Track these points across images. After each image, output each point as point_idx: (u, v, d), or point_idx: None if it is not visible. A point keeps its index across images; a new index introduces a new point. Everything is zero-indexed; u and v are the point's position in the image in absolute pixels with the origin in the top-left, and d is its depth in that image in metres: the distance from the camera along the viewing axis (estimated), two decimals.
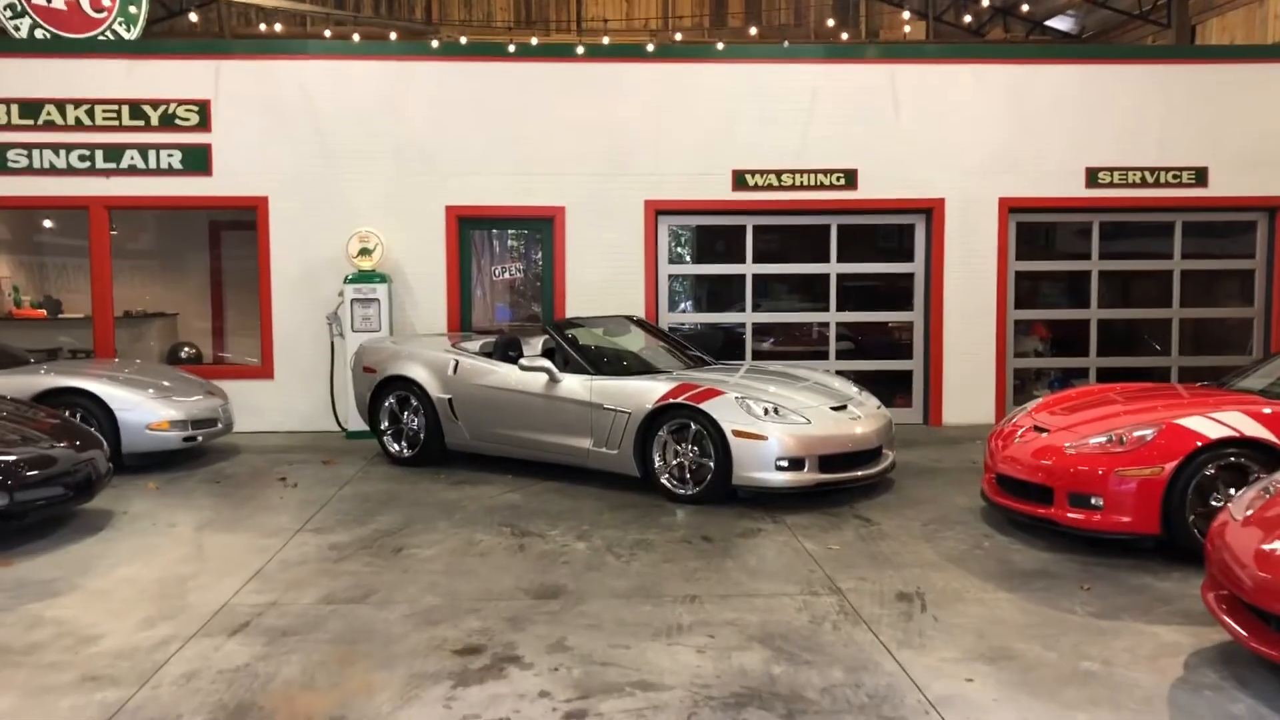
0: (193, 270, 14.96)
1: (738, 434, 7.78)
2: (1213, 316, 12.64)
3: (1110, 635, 5.25)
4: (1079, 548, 6.73)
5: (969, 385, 11.98)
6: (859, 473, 8.09)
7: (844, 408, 8.34)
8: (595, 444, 8.51)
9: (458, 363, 9.37)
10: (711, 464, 7.91)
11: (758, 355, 12.21)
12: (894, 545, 6.89)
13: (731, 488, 7.89)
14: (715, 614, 5.55)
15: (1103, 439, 6.70)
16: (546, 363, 8.74)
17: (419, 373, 9.53)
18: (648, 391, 8.28)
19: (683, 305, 12.67)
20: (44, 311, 13.47)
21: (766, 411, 7.87)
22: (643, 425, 8.21)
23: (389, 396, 9.73)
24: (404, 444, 9.68)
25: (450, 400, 9.32)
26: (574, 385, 8.66)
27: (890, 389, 12.04)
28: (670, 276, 12.13)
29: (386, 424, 9.79)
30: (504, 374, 9.05)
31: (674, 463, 8.13)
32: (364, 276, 11.23)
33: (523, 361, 8.76)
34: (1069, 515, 6.67)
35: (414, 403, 9.57)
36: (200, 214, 14.00)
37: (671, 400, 8.09)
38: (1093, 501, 6.57)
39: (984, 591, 5.94)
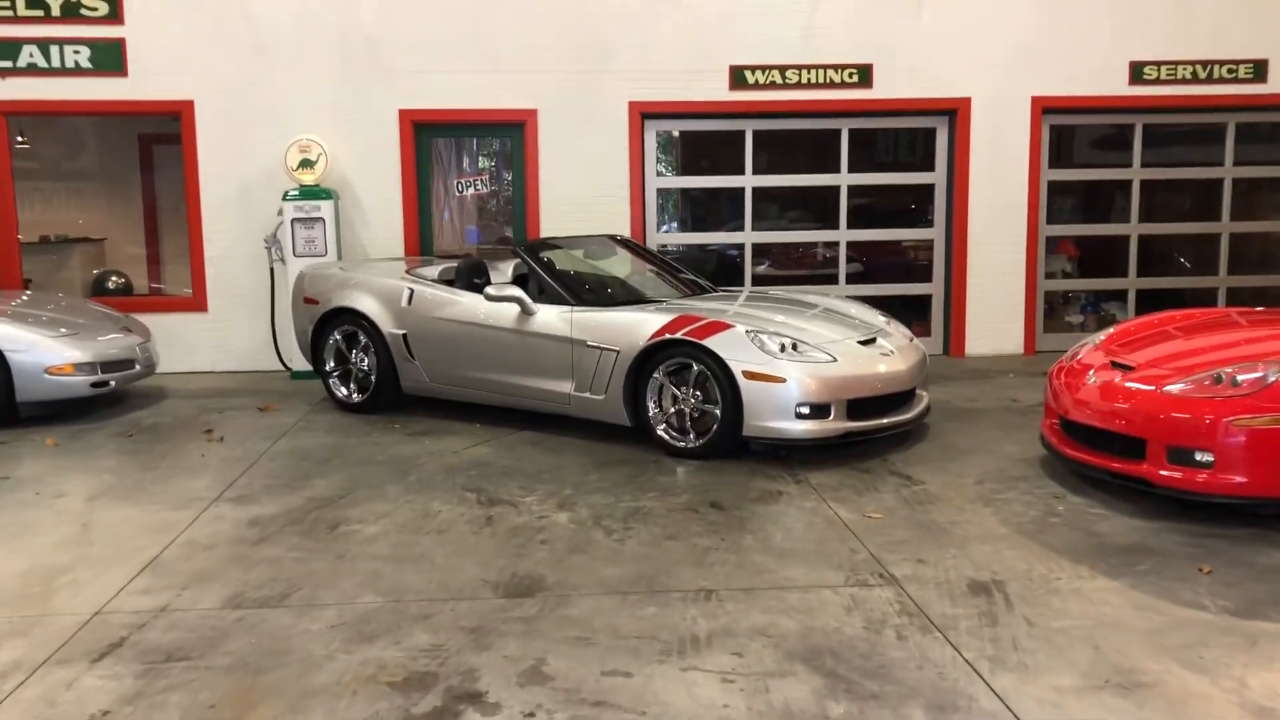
0: (125, 191, 13.39)
1: (749, 375, 6.42)
2: (1268, 231, 11.30)
3: (1268, 643, 3.96)
4: (1175, 513, 5.45)
5: (995, 311, 10.66)
6: (893, 419, 6.77)
7: (872, 341, 6.99)
8: (578, 388, 7.14)
9: (413, 292, 7.95)
10: (718, 411, 6.57)
11: (757, 281, 10.82)
12: (947, 511, 5.59)
13: (742, 439, 6.55)
14: (739, 618, 4.24)
15: (1207, 378, 5.38)
16: (518, 291, 7.32)
17: (368, 304, 8.11)
18: (640, 325, 6.89)
19: (672, 224, 11.24)
20: None
21: (783, 348, 6.51)
22: (634, 366, 6.84)
23: (334, 332, 8.31)
24: (353, 387, 8.29)
25: (405, 336, 7.91)
26: (551, 318, 7.26)
27: (906, 316, 10.65)
28: (659, 191, 10.68)
29: (332, 364, 8.38)
30: (468, 305, 7.64)
31: (672, 410, 6.78)
32: (306, 192, 9.74)
33: (489, 290, 7.34)
34: (1166, 474, 5.38)
35: (363, 339, 8.15)
36: (125, 125, 12.43)
37: (669, 336, 6.71)
38: (1199, 458, 5.27)
39: (1078, 578, 4.65)
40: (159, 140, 12.45)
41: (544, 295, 7.43)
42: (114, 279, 12.04)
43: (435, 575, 4.77)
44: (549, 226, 10.26)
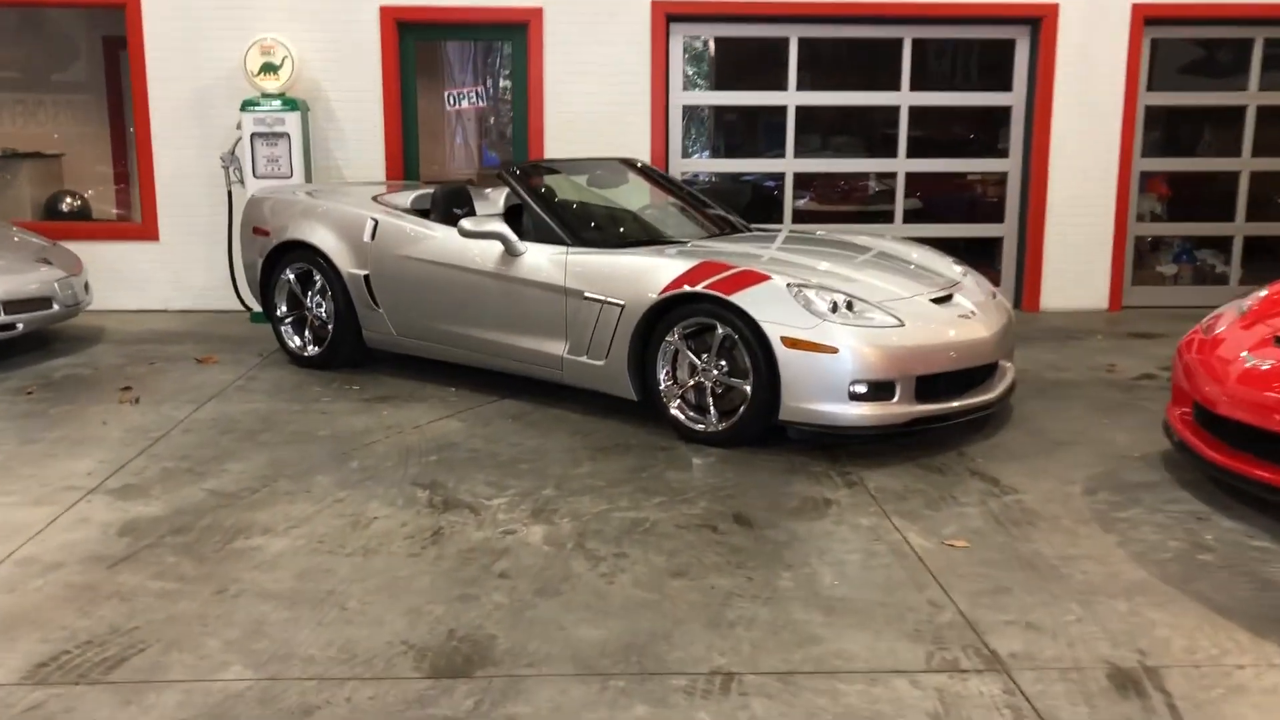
0: (88, 102, 11.93)
1: (790, 343, 4.94)
2: None
3: None
4: None
5: (1077, 257, 9.09)
6: (973, 400, 5.27)
7: (947, 298, 5.47)
8: (573, 350, 5.68)
9: (377, 224, 6.48)
10: (747, 388, 5.10)
11: (798, 218, 9.26)
12: (1055, 539, 4.12)
13: (776, 423, 5.08)
14: None
15: None
16: (499, 226, 5.83)
17: (324, 238, 6.65)
18: (651, 272, 5.41)
19: (700, 150, 9.67)
20: None
21: (835, 307, 5.01)
22: (642, 325, 5.38)
23: (286, 269, 6.87)
24: (307, 338, 6.86)
25: (367, 278, 6.46)
26: (541, 261, 5.78)
27: (971, 263, 9.17)
28: (685, 109, 9.08)
29: (284, 308, 6.95)
30: (441, 242, 6.17)
31: (690, 383, 5.32)
32: (269, 102, 8.23)
33: (464, 223, 5.85)
34: None
35: (319, 280, 6.70)
36: (87, 27, 10.98)
37: (687, 288, 5.22)
38: None
39: (1269, 664, 3.18)
40: (126, 45, 10.95)
41: (536, 232, 5.95)
42: (69, 200, 10.62)
43: (341, 630, 3.37)
44: (555, 149, 8.74)
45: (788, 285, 5.08)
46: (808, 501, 4.52)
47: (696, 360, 5.27)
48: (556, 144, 8.74)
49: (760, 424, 5.11)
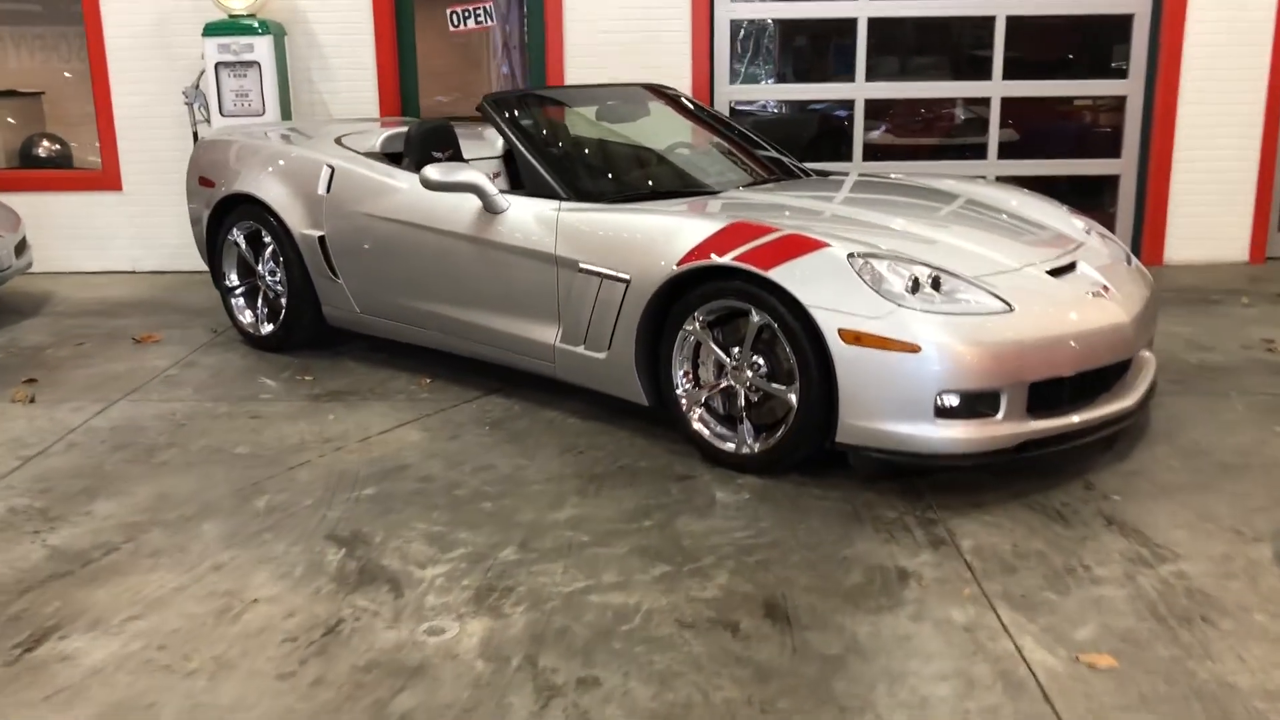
0: (75, 35, 10.71)
1: (851, 337, 3.53)
2: None
3: None
4: None
5: (1210, 199, 7.48)
6: (1106, 411, 3.82)
7: (1070, 267, 4.01)
8: (567, 338, 4.34)
9: (333, 172, 5.15)
10: (792, 397, 3.71)
11: (871, 153, 7.75)
12: (1249, 649, 2.73)
13: (834, 446, 3.69)
14: None
15: None
16: (474, 175, 4.47)
17: (272, 190, 5.35)
18: (666, 236, 4.02)
19: (753, 73, 8.16)
20: None
21: (916, 286, 3.60)
22: (654, 306, 4.01)
23: (234, 229, 5.59)
24: (262, 312, 5.59)
25: (322, 240, 5.16)
26: (527, 220, 4.42)
27: (1075, 205, 7.64)
28: (734, 23, 7.57)
29: (235, 277, 5.68)
30: (408, 195, 4.84)
31: (717, 386, 3.93)
32: (235, 25, 6.93)
33: (428, 172, 4.48)
34: None
35: (269, 243, 5.42)
36: None
37: (713, 259, 3.82)
38: None
39: None
40: None
41: (523, 183, 4.58)
42: (46, 144, 9.44)
43: None
44: (577, 76, 7.32)
45: (850, 256, 3.65)
46: (874, 574, 3.14)
47: (724, 356, 3.90)
48: (579, 70, 7.33)
49: (809, 446, 3.73)
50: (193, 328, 6.08)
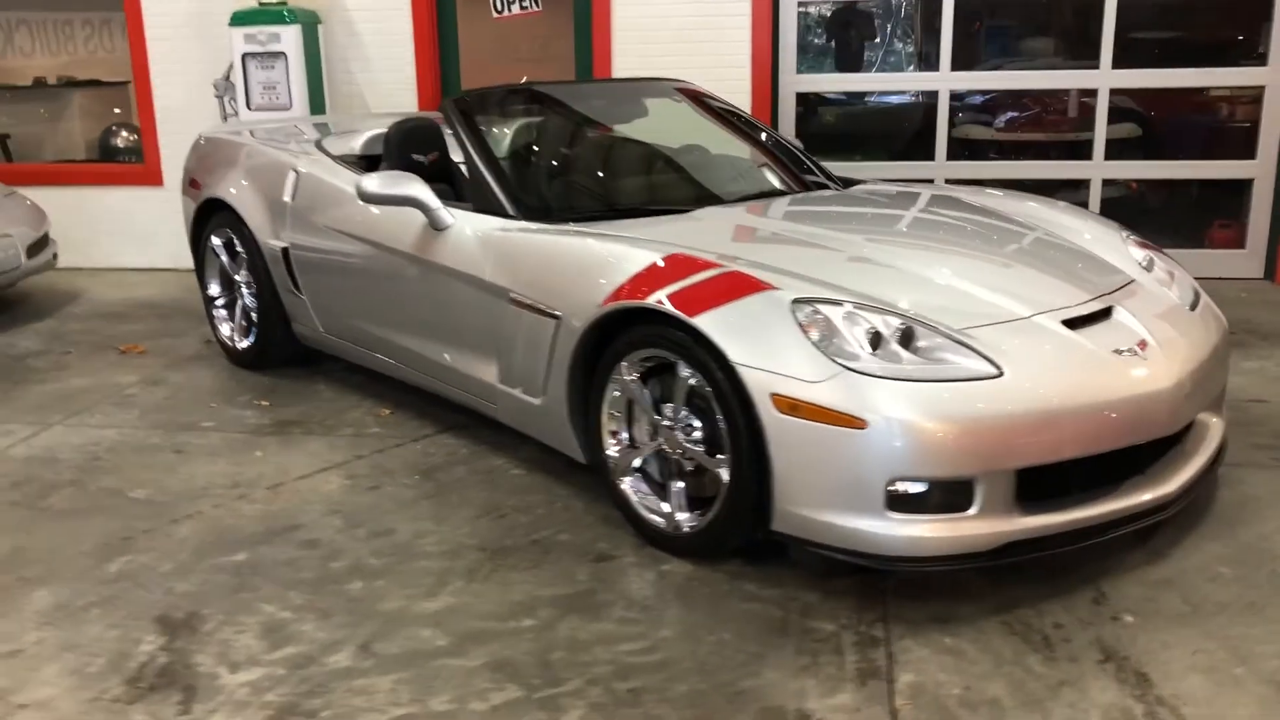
0: None
1: (786, 405, 2.83)
2: None
3: None
4: None
5: None
6: (1128, 503, 3.01)
7: (1102, 316, 3.19)
8: (505, 377, 3.75)
9: (298, 177, 4.68)
10: (723, 472, 3.01)
11: (959, 150, 6.87)
12: None
13: (769, 536, 2.99)
14: None
15: None
16: (416, 187, 3.92)
17: (242, 195, 4.94)
18: (599, 267, 3.39)
19: (820, 60, 7.36)
20: None
21: (878, 341, 2.86)
22: (583, 350, 3.37)
23: (213, 236, 5.19)
24: (241, 325, 5.17)
25: (286, 252, 4.69)
26: (467, 240, 3.85)
27: (1202, 213, 6.64)
28: (801, 4, 6.78)
29: (217, 287, 5.29)
30: (360, 206, 4.28)
31: (649, 445, 3.27)
32: (262, 14, 6.57)
33: (365, 183, 3.94)
34: None
35: (241, 252, 5.00)
36: None
37: (636, 300, 3.16)
38: None
39: None
40: None
41: (472, 197, 4.01)
42: (124, 135, 9.37)
43: None
44: (625, 64, 6.69)
45: (795, 302, 2.94)
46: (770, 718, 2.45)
47: (658, 416, 3.23)
48: (629, 60, 6.70)
49: (742, 530, 3.05)
50: (189, 337, 5.74)
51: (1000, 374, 2.85)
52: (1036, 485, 2.89)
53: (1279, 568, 3.08)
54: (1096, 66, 6.48)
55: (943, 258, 3.50)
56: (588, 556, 3.23)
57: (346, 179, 4.49)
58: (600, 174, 4.38)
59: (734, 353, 2.91)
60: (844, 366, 2.80)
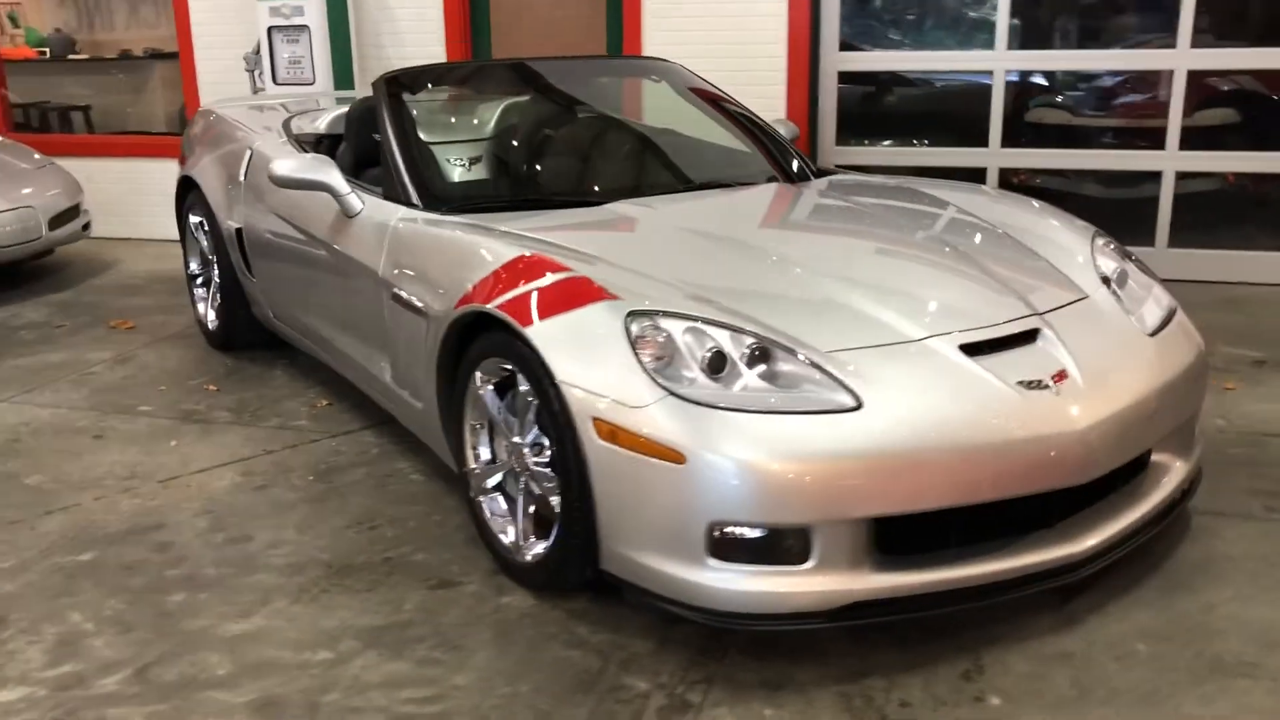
0: None
1: (607, 431, 2.49)
2: None
3: None
4: None
5: None
6: (1024, 563, 2.56)
7: (1023, 340, 2.73)
8: (396, 377, 3.51)
9: (252, 155, 4.53)
10: (556, 500, 2.70)
11: (1018, 138, 6.27)
12: None
13: (601, 573, 2.67)
14: None
15: None
16: (325, 171, 3.71)
17: (209, 174, 4.83)
18: (463, 264, 3.11)
19: (873, 35, 6.82)
20: (37, 51, 9.81)
21: (720, 363, 2.49)
22: (446, 353, 3.09)
23: (191, 214, 5.12)
24: (216, 305, 5.07)
25: (240, 233, 4.56)
26: (369, 229, 3.63)
27: None
28: None
29: (196, 265, 5.21)
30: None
31: (506, 462, 2.97)
32: None
33: (276, 165, 3.75)
34: None
35: (207, 231, 4.90)
36: None
37: (478, 304, 2.87)
38: None
39: None
40: None
41: (385, 180, 3.76)
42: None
43: None
44: (657, 41, 6.33)
45: (631, 314, 2.59)
46: None
47: (510, 431, 2.93)
48: (660, 36, 6.34)
49: (577, 566, 2.72)
50: (185, 315, 5.68)
51: (858, 407, 2.45)
52: (902, 537, 2.49)
53: (1207, 649, 2.59)
54: (1174, 40, 5.79)
55: (857, 266, 3.08)
56: (429, 582, 2.97)
57: (295, 154, 4.30)
58: (519, 162, 4.07)
59: (560, 368, 2.59)
60: (669, 391, 2.44)
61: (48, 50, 9.79)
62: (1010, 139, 6.19)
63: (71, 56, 9.72)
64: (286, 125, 4.73)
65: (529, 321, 2.69)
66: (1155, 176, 5.97)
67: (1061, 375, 2.65)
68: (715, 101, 4.38)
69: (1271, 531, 3.14)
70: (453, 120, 4.15)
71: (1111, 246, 3.35)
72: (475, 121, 4.22)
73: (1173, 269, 5.85)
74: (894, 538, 2.50)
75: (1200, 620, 2.71)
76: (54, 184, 6.42)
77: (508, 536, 2.95)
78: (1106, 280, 3.14)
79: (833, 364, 2.54)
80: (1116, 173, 6.03)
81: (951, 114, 6.60)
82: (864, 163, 6.35)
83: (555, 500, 2.70)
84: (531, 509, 2.88)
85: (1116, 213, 6.29)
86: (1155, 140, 6.14)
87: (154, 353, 5.06)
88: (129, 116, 9.48)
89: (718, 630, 2.63)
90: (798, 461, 2.37)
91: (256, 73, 6.74)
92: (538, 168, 4.01)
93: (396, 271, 3.36)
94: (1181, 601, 2.79)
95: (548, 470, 2.75)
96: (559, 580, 2.80)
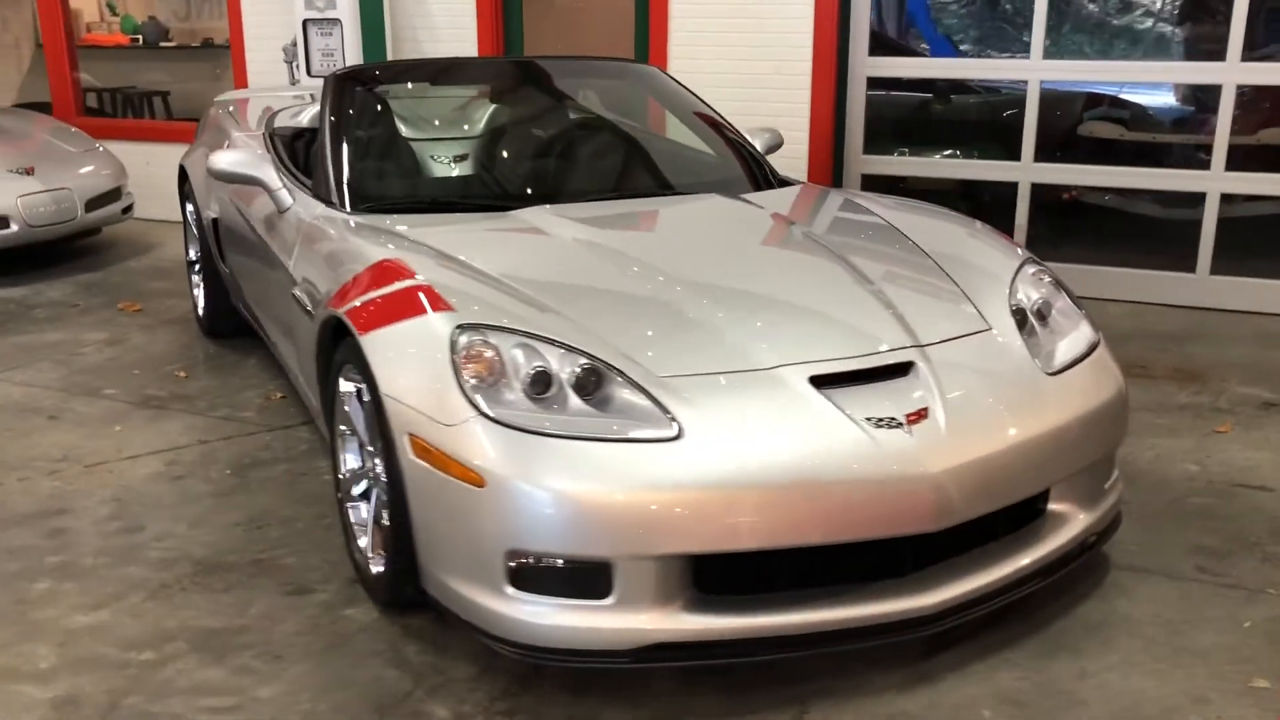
0: None
1: (420, 448, 2.41)
2: None
3: None
4: None
5: None
6: (864, 613, 2.40)
7: (899, 371, 2.55)
8: (303, 374, 3.48)
9: (229, 144, 4.58)
10: (386, 517, 2.63)
11: (1051, 151, 5.96)
12: None
13: (425, 595, 2.59)
14: None
15: None
16: (259, 166, 3.72)
17: (197, 165, 4.92)
18: (337, 268, 3.08)
19: (918, 36, 6.57)
20: (130, 38, 10.18)
21: (545, 385, 2.40)
22: (319, 355, 3.06)
23: (186, 202, 5.22)
24: (207, 291, 5.16)
25: (216, 223, 4.62)
26: (291, 225, 3.62)
27: None
28: None
29: (192, 252, 5.32)
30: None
31: (366, 469, 2.92)
32: None
33: (215, 159, 3.76)
34: None
35: (198, 220, 4.99)
36: None
37: (333, 308, 2.83)
38: None
39: None
40: None
41: (313, 176, 3.75)
42: None
43: None
44: (682, 41, 6.21)
45: (459, 328, 2.50)
46: None
47: (365, 438, 2.87)
48: (687, 37, 6.21)
49: (407, 585, 2.64)
50: (187, 299, 5.79)
51: (676, 437, 2.32)
52: (725, 578, 2.35)
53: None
54: (1223, 51, 5.41)
55: (738, 286, 2.92)
56: (286, 587, 2.93)
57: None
58: (445, 164, 3.98)
59: (384, 379, 2.53)
60: (480, 411, 2.35)
61: (140, 37, 10.15)
62: (1050, 152, 5.87)
63: (163, 44, 10.05)
64: (271, 119, 4.75)
65: (365, 329, 2.63)
66: (1193, 198, 5.59)
67: (921, 414, 2.46)
68: (683, 108, 4.24)
69: (1191, 594, 2.88)
70: (397, 119, 4.10)
71: (1044, 276, 3.11)
72: (418, 122, 4.16)
73: (1213, 298, 5.49)
74: (716, 578, 2.36)
75: (1067, 688, 2.49)
76: (97, 167, 6.62)
77: (360, 548, 2.89)
78: (1022, 312, 2.91)
79: (664, 389, 2.41)
80: (1171, 193, 5.66)
81: (993, 124, 6.31)
82: (890, 174, 6.12)
83: (384, 516, 2.63)
84: (384, 520, 2.80)
85: (1164, 235, 5.94)
86: (1179, 158, 5.77)
87: (146, 336, 5.17)
88: (204, 103, 9.76)
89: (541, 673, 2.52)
90: (599, 492, 2.25)
91: (294, 64, 6.83)
92: (459, 170, 3.93)
93: (298, 269, 3.33)
94: (1056, 665, 2.57)
95: (383, 485, 2.68)
96: (398, 596, 2.72)
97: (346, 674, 2.54)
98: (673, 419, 2.34)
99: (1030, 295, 2.99)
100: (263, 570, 3.02)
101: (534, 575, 2.32)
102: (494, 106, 4.20)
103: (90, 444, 3.90)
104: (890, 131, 6.52)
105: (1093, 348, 2.91)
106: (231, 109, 5.10)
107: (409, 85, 4.27)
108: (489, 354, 2.45)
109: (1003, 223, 5.87)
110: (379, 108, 3.96)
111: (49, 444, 3.90)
